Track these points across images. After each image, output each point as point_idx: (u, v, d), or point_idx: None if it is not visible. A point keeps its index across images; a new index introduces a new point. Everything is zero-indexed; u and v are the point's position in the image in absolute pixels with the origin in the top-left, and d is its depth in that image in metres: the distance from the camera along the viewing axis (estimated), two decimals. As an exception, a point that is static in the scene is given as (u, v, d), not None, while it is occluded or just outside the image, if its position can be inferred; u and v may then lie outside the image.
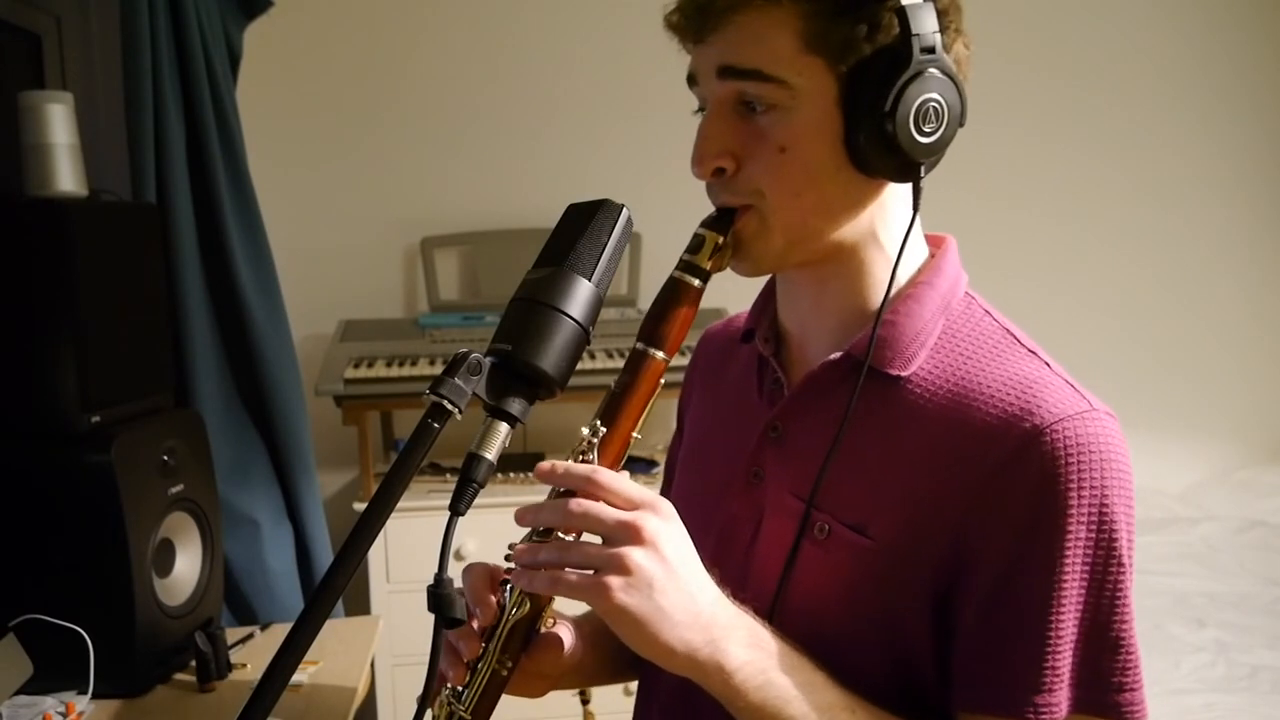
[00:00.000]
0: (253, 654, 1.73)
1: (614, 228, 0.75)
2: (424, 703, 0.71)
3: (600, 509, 0.70)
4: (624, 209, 0.76)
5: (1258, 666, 2.14)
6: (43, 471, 1.51)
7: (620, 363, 2.46)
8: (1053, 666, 0.73)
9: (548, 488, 0.75)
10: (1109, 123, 3.22)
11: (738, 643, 0.71)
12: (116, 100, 2.09)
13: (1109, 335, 3.23)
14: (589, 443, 0.76)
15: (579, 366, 0.74)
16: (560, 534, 0.73)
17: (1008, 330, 0.83)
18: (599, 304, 0.74)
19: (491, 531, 2.37)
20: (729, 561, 0.85)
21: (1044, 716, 0.73)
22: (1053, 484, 0.72)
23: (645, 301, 2.83)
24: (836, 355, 0.82)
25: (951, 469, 0.75)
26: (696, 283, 0.80)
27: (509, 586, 0.77)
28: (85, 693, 1.48)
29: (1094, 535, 0.73)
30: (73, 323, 1.52)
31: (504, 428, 0.71)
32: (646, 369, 0.78)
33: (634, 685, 1.02)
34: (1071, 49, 3.18)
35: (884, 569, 0.77)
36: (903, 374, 0.80)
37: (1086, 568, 0.73)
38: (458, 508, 0.69)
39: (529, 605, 0.77)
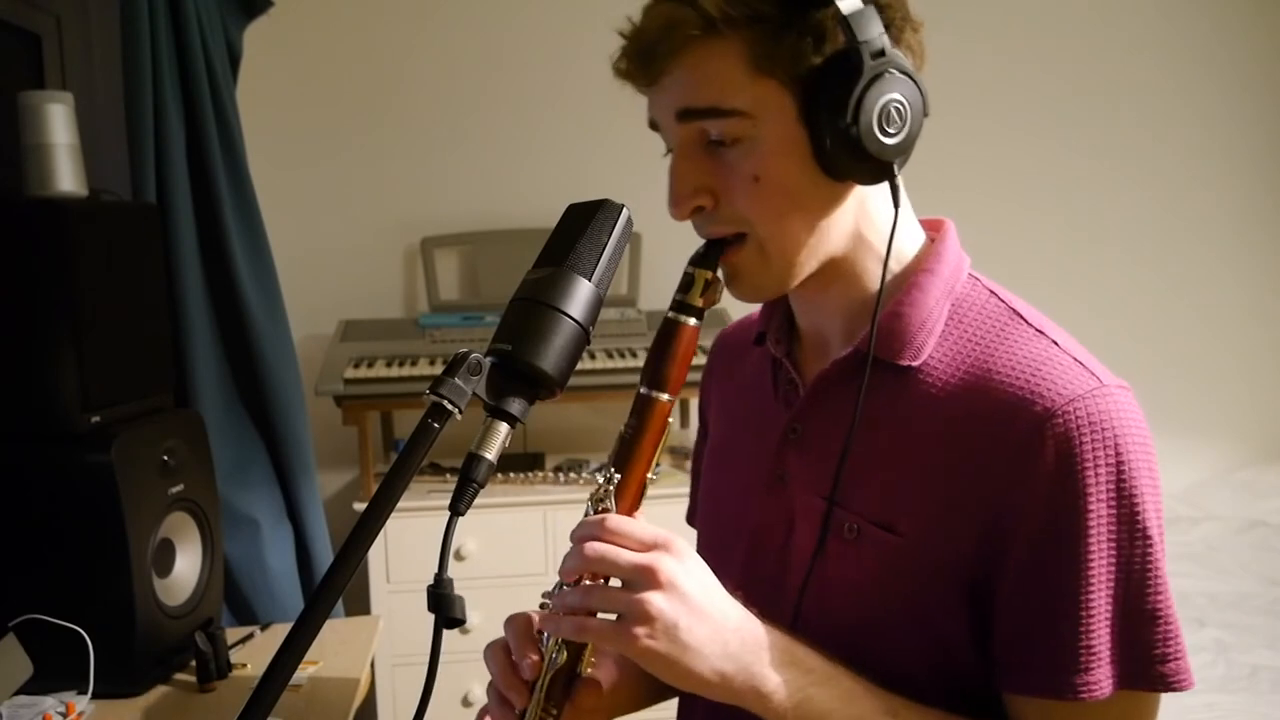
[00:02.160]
0: (253, 654, 1.73)
1: (614, 228, 0.75)
2: (424, 703, 0.71)
3: (615, 553, 0.71)
4: (624, 209, 0.76)
5: (1258, 666, 2.14)
6: (43, 471, 1.51)
7: (620, 363, 2.49)
8: (1088, 646, 0.73)
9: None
10: (1109, 122, 3.22)
11: (771, 664, 0.72)
12: (116, 100, 2.09)
13: (1109, 335, 3.22)
14: (605, 490, 0.77)
15: (579, 366, 0.74)
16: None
17: (1014, 310, 0.83)
18: (599, 304, 0.74)
19: (491, 531, 2.38)
20: (763, 566, 0.85)
21: (1086, 694, 0.73)
22: (1069, 466, 0.72)
23: (645, 301, 2.83)
24: (845, 352, 0.82)
25: (969, 458, 0.76)
26: (691, 321, 0.80)
27: (546, 635, 0.79)
28: (85, 693, 1.48)
29: (1115, 511, 0.73)
30: (73, 323, 1.52)
31: (504, 428, 0.71)
32: (653, 413, 0.79)
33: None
34: (1073, 49, 3.18)
35: (914, 564, 0.77)
36: (913, 364, 0.80)
37: (1113, 544, 0.73)
38: (458, 508, 0.69)
39: (566, 653, 0.78)
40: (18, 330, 1.53)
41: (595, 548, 0.72)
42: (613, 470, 0.78)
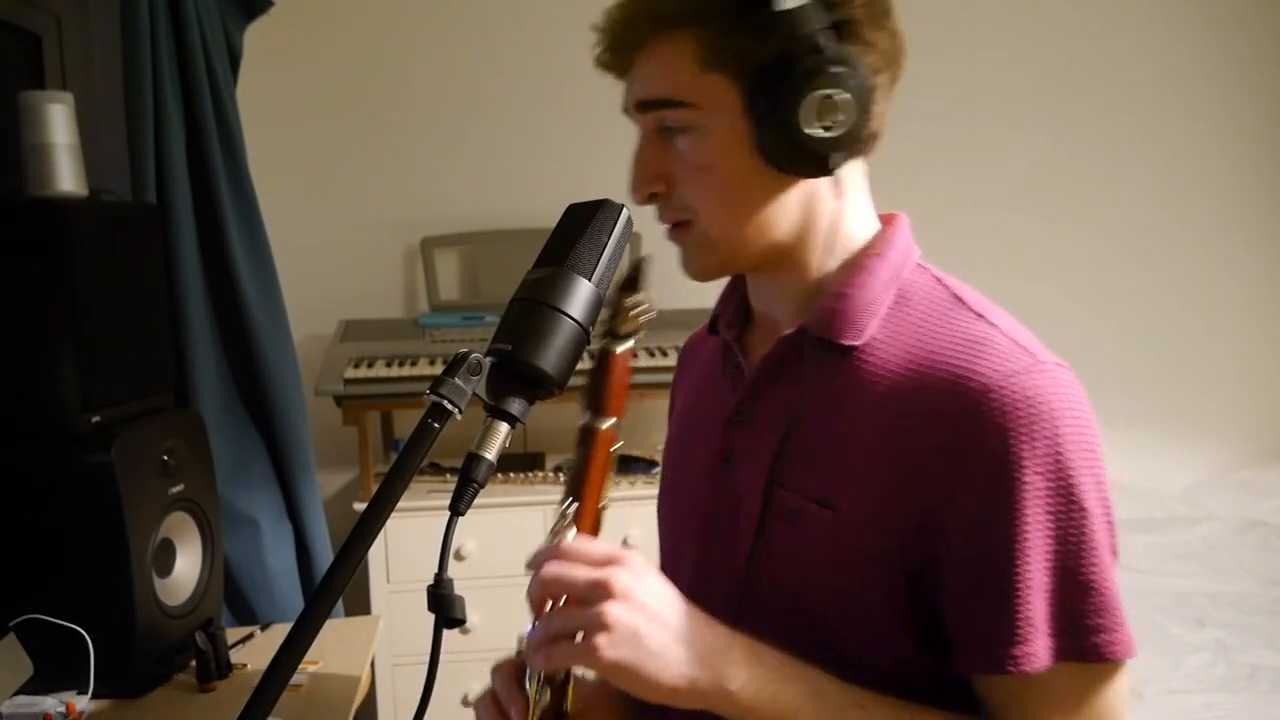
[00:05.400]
0: (253, 654, 1.73)
1: (614, 228, 0.75)
2: (424, 703, 0.71)
3: (569, 571, 0.72)
4: (624, 209, 0.76)
5: (1258, 666, 2.14)
6: (43, 471, 1.51)
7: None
8: (1026, 617, 0.74)
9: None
10: (1110, 122, 3.22)
11: (736, 663, 0.72)
12: (116, 100, 2.09)
13: (1109, 335, 3.23)
14: (564, 517, 0.79)
15: (579, 366, 0.74)
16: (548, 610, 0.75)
17: (957, 296, 0.84)
18: (599, 304, 0.74)
19: (491, 531, 2.38)
20: (715, 547, 0.87)
21: (1024, 667, 0.73)
22: (1005, 440, 0.74)
23: (645, 301, 2.83)
24: (789, 331, 0.84)
25: (908, 435, 0.77)
26: (619, 348, 0.83)
27: (528, 677, 0.80)
28: (85, 693, 1.48)
29: (1052, 484, 0.74)
30: (73, 323, 1.52)
31: (504, 428, 0.71)
32: (596, 440, 0.81)
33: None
34: (1072, 49, 3.18)
35: (855, 541, 0.78)
36: (856, 344, 0.82)
37: (1049, 518, 0.74)
38: (458, 508, 0.69)
39: (549, 692, 0.79)
40: (18, 330, 1.53)
41: (550, 569, 0.73)
42: (570, 500, 0.80)
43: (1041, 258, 3.19)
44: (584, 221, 0.75)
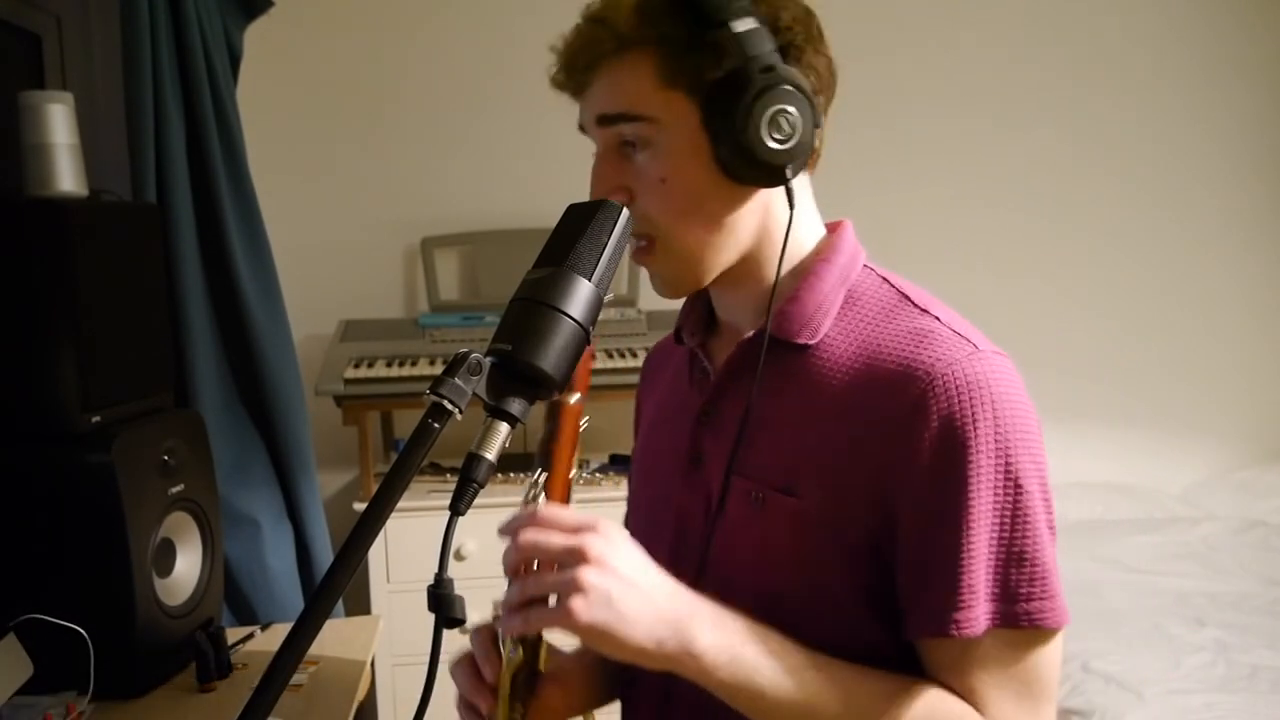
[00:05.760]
0: (253, 654, 1.73)
1: (614, 228, 0.75)
2: (424, 702, 0.71)
3: (545, 537, 0.75)
4: (624, 209, 0.77)
5: (1258, 666, 2.14)
6: (43, 471, 1.51)
7: (620, 363, 2.49)
8: (969, 585, 0.78)
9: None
10: (1110, 122, 3.23)
11: (701, 627, 0.76)
12: (116, 100, 2.09)
13: (1109, 335, 3.23)
14: (534, 486, 0.83)
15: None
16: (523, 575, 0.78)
17: (902, 294, 0.90)
18: (599, 304, 0.74)
19: (491, 531, 2.37)
20: (689, 548, 0.90)
21: (965, 630, 0.78)
22: (951, 423, 0.79)
23: (645, 302, 2.84)
24: (749, 335, 0.89)
25: (862, 423, 0.82)
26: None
27: (502, 639, 0.85)
28: (85, 693, 1.48)
29: (994, 461, 0.79)
30: (73, 323, 1.52)
31: (504, 428, 0.71)
32: (564, 414, 0.86)
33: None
34: (1072, 48, 3.18)
35: (815, 525, 0.83)
36: (810, 342, 0.87)
37: (992, 493, 0.79)
38: (458, 508, 0.70)
39: (522, 651, 0.84)
40: (18, 330, 1.53)
41: (527, 535, 0.75)
42: (540, 471, 0.84)
43: (1041, 257, 3.19)
44: (584, 221, 0.75)
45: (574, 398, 0.85)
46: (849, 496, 0.82)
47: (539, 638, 0.86)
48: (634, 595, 0.74)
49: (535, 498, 0.83)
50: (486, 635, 0.87)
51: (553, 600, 0.74)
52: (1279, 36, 3.30)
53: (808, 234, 0.92)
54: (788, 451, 0.85)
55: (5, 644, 1.45)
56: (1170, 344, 3.30)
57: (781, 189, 0.85)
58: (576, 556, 0.73)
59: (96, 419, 1.55)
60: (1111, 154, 3.23)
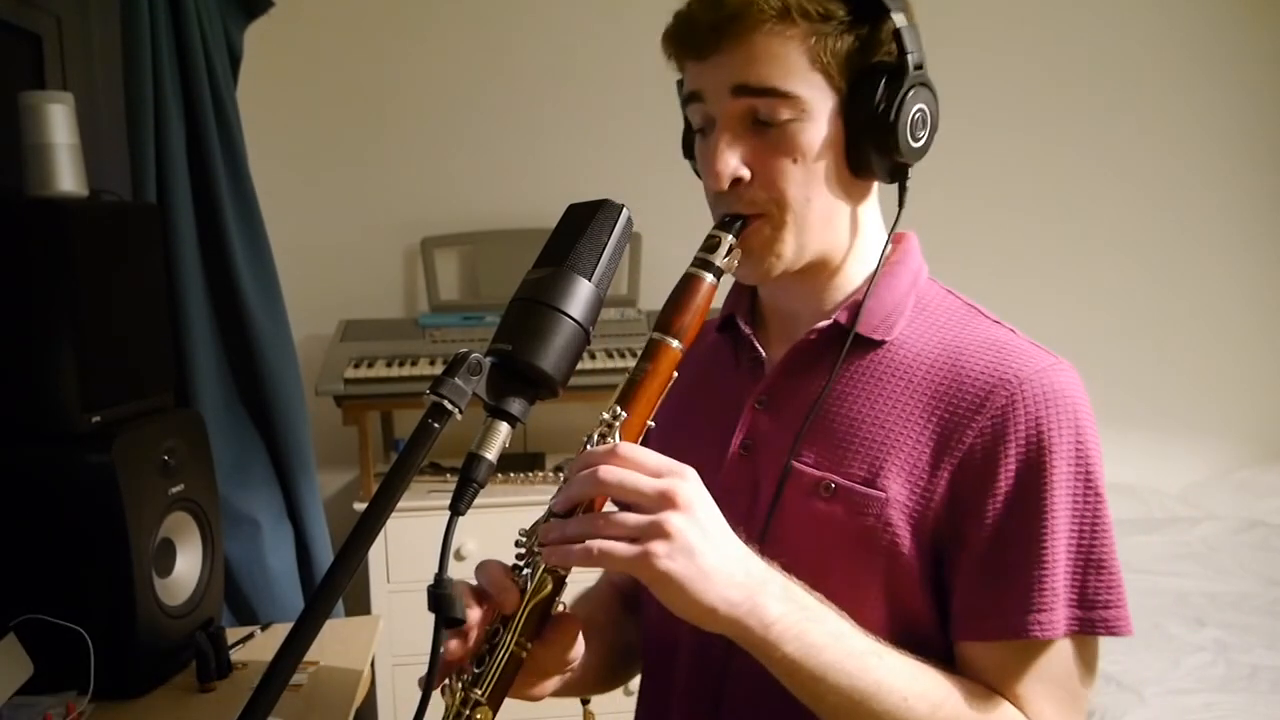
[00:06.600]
0: (253, 654, 1.73)
1: (614, 228, 0.76)
2: (424, 702, 0.71)
3: (635, 477, 0.72)
4: (624, 209, 0.77)
5: (1258, 666, 2.14)
6: (43, 471, 1.51)
7: (620, 363, 2.49)
8: (1052, 588, 0.79)
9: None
10: (1109, 123, 3.22)
11: (773, 596, 0.74)
12: (116, 100, 2.08)
13: (1109, 335, 3.23)
14: (609, 425, 0.78)
15: (579, 366, 0.75)
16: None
17: (971, 305, 0.92)
18: (599, 304, 0.74)
19: (491, 531, 2.38)
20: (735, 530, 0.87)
21: (1044, 633, 0.79)
22: (1037, 429, 0.81)
23: (645, 301, 2.83)
24: (824, 324, 0.89)
25: (943, 423, 0.83)
26: (709, 278, 0.84)
27: (525, 571, 0.78)
28: (85, 693, 1.48)
29: (1074, 469, 0.81)
30: (73, 323, 1.52)
31: (504, 428, 0.71)
32: (663, 357, 0.81)
33: (634, 684, 1.02)
34: (1073, 49, 3.18)
35: (895, 518, 0.83)
36: (886, 339, 0.88)
37: (1072, 499, 0.81)
38: (458, 507, 0.69)
39: (549, 586, 0.78)
40: (18, 330, 1.53)
41: (611, 472, 0.72)
42: (618, 408, 0.79)
43: (1041, 258, 3.19)
44: (584, 221, 0.75)
45: (675, 344, 0.82)
46: (931, 493, 0.82)
47: (562, 579, 0.79)
48: (714, 551, 0.71)
49: (604, 437, 0.78)
50: (498, 567, 0.79)
51: (623, 545, 0.70)
52: (1279, 36, 3.30)
53: (878, 237, 0.92)
54: (868, 444, 0.85)
55: (5, 644, 1.45)
56: (1170, 344, 3.30)
57: (874, 194, 0.88)
58: (666, 501, 0.70)
59: (97, 419, 1.55)
60: (1112, 154, 3.23)
